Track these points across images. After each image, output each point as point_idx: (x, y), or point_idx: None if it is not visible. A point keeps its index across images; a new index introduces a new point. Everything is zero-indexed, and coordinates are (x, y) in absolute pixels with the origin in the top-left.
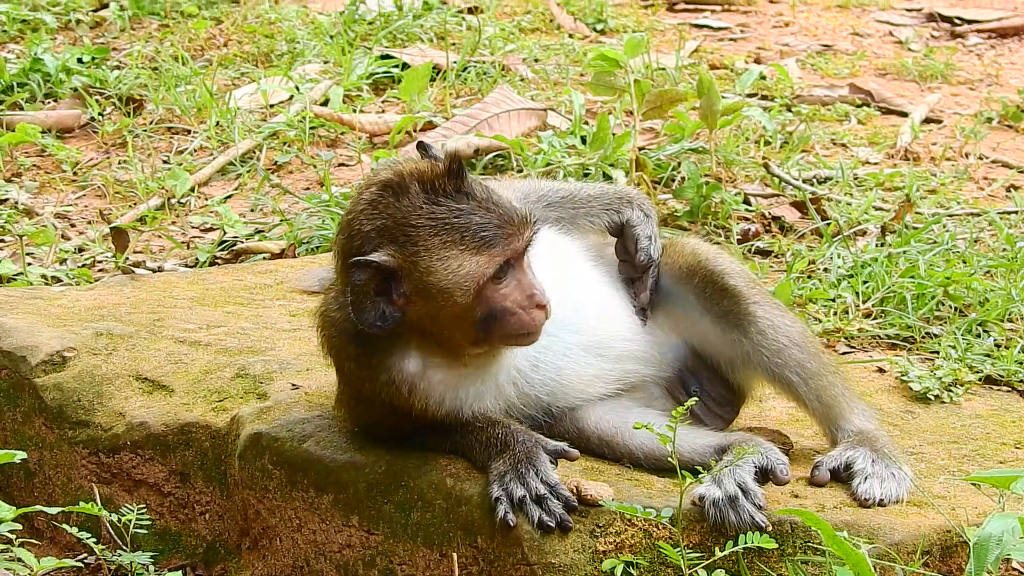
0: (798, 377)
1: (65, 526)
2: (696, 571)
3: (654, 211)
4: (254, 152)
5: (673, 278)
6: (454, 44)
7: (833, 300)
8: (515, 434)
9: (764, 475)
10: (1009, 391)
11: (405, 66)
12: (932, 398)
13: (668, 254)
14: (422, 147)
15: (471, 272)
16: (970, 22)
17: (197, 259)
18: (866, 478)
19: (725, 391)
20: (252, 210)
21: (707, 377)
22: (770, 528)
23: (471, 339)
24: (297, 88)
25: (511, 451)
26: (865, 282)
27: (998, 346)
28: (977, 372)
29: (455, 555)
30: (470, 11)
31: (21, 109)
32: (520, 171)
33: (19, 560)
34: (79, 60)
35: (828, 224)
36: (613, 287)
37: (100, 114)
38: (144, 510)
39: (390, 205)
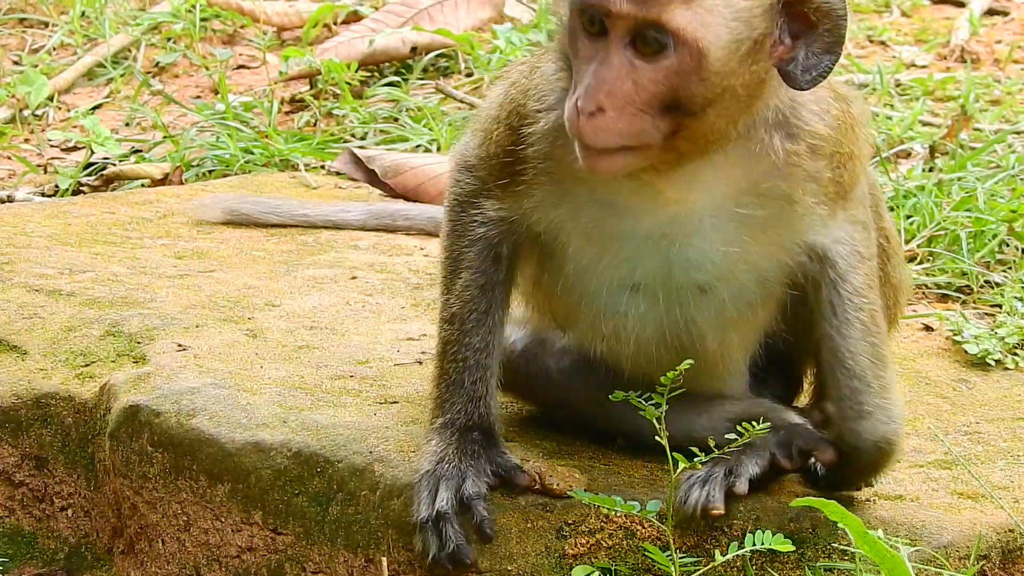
0: None
1: None
2: None
3: None
4: (130, 50)
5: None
6: None
7: None
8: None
9: (794, 456)
10: None
11: None
12: (992, 363)
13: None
14: None
15: None
16: None
17: (57, 186)
18: None
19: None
20: (127, 124)
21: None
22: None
23: None
24: None
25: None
26: (908, 217)
27: None
28: None
29: (385, 560)
30: None
31: None
32: (469, 75)
33: None
34: None
35: None
36: None
37: None
38: None
39: None
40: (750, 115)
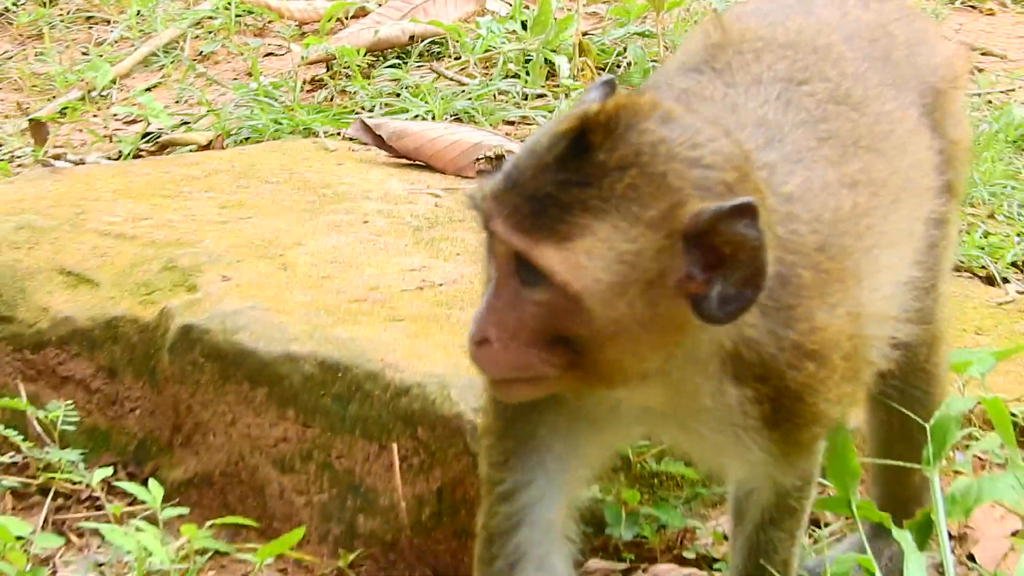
0: None
1: None
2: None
3: None
4: (178, 42)
5: None
6: None
7: None
8: None
9: None
10: (970, 277)
11: None
12: None
13: None
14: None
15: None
16: None
17: (120, 152)
18: None
19: None
20: (177, 101)
21: None
22: None
23: None
24: None
25: None
26: None
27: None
28: None
29: (395, 446)
30: None
31: None
32: (457, 58)
33: None
34: None
35: None
36: None
37: (14, 4)
38: (72, 407)
39: None
40: (669, 353)
